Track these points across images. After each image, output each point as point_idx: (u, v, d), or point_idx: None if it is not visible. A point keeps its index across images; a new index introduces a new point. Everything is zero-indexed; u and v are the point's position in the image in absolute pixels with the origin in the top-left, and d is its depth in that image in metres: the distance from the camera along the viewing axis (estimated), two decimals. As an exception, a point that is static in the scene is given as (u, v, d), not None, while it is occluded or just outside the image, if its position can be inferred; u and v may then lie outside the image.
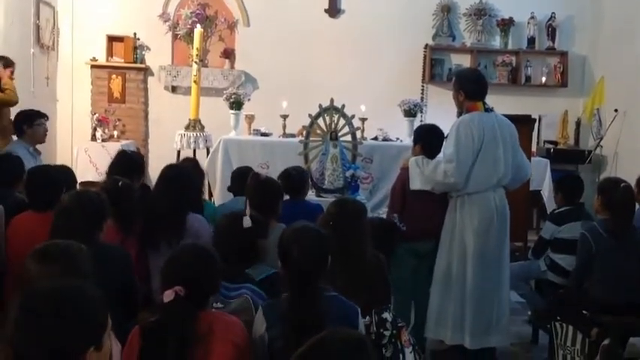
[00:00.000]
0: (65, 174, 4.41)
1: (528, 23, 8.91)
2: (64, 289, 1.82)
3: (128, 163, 4.59)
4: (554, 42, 8.93)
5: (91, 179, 7.37)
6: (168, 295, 2.39)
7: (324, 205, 3.90)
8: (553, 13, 8.82)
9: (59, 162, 7.01)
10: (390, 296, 3.23)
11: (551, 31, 8.90)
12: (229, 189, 5.06)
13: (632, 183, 4.79)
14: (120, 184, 3.84)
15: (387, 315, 2.97)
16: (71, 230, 2.95)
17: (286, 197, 4.46)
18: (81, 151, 8.02)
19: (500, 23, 8.89)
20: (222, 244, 3.10)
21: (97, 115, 8.33)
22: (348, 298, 2.75)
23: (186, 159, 5.52)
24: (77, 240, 2.57)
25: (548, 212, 5.99)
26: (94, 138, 8.19)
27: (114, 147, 7.67)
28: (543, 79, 8.99)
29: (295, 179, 4.79)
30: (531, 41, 8.95)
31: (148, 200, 4.00)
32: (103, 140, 8.15)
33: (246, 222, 3.22)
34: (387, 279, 3.22)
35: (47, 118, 5.94)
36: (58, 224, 3.11)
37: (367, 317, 2.90)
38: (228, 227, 3.28)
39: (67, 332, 1.72)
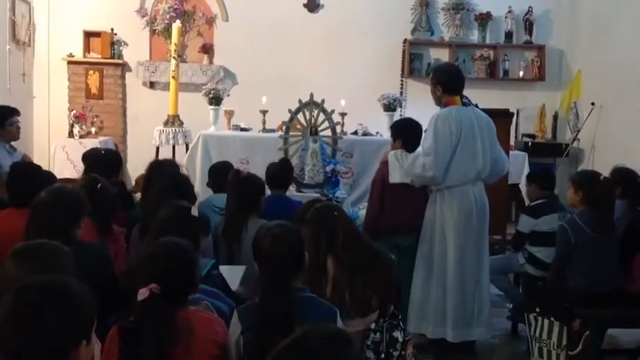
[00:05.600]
0: (45, 172, 4.38)
1: (506, 17, 8.96)
2: (56, 283, 1.82)
3: (104, 162, 4.55)
4: (531, 36, 8.99)
5: (68, 176, 7.29)
6: (142, 294, 2.33)
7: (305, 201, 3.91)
8: (530, 7, 8.87)
9: (36, 160, 6.93)
10: (399, 297, 3.17)
11: (529, 25, 8.95)
12: (208, 184, 5.05)
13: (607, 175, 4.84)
14: (99, 185, 3.79)
15: (398, 334, 2.89)
16: (47, 226, 2.93)
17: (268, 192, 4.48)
18: (58, 148, 7.93)
19: (478, 17, 8.93)
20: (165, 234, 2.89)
21: (74, 111, 8.24)
22: (361, 296, 2.69)
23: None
24: (53, 236, 2.54)
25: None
26: (71, 135, 8.10)
27: (92, 143, 7.62)
28: (521, 73, 9.05)
29: (285, 172, 4.84)
30: (509, 35, 9.00)
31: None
32: (81, 137, 8.07)
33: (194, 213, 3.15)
34: (396, 278, 3.15)
35: (19, 113, 5.85)
36: (34, 219, 3.07)
37: (378, 334, 2.84)
38: (172, 217, 3.12)
39: (62, 326, 1.73)
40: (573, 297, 4.37)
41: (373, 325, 2.74)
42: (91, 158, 4.90)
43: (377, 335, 2.81)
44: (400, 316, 3.06)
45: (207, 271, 3.05)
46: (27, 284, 1.82)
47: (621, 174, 4.93)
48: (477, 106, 4.73)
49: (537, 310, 4.39)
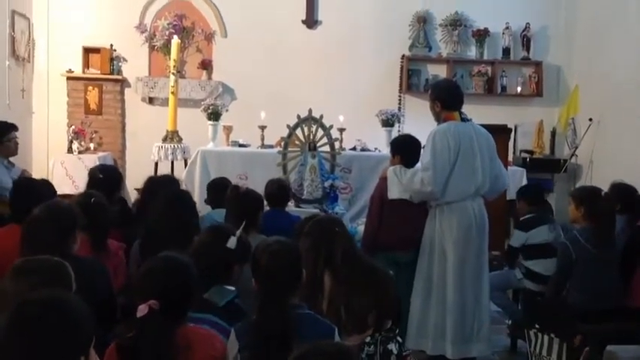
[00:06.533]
0: (46, 187, 4.38)
1: (503, 34, 9.00)
2: (55, 299, 1.82)
3: (103, 180, 4.54)
4: (528, 52, 9.02)
5: (67, 192, 7.27)
6: (141, 310, 2.32)
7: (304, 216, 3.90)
8: (527, 23, 8.91)
9: (34, 175, 6.92)
10: (399, 314, 3.13)
11: (526, 42, 8.99)
12: (207, 201, 5.04)
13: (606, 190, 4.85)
14: (92, 200, 3.78)
15: (392, 346, 2.77)
16: (40, 241, 2.93)
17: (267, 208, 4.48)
18: (57, 163, 7.94)
19: (475, 34, 8.97)
20: (198, 258, 2.90)
21: (73, 127, 8.26)
22: (358, 312, 2.67)
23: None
24: (47, 251, 2.54)
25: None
26: (70, 150, 8.12)
27: (90, 159, 7.64)
28: (519, 88, 9.07)
29: (283, 190, 4.84)
30: (506, 51, 9.03)
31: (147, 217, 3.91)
32: (80, 152, 8.08)
33: (231, 242, 3.02)
34: (395, 294, 3.03)
35: (17, 129, 5.85)
36: (28, 235, 3.07)
37: (372, 347, 2.75)
38: (210, 242, 3.09)
39: (61, 342, 1.73)
40: (573, 313, 4.36)
41: (368, 339, 2.72)
42: (92, 176, 4.87)
43: (371, 348, 2.78)
44: (397, 330, 3.03)
45: (227, 301, 2.92)
46: (27, 299, 1.82)
47: (620, 189, 4.95)
48: (469, 120, 4.73)
49: (537, 326, 4.37)
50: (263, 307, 2.59)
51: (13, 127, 5.79)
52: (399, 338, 2.85)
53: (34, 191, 3.97)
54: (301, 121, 6.52)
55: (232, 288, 2.99)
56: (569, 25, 8.98)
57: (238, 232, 3.11)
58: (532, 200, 5.37)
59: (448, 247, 4.48)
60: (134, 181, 7.13)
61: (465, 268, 4.46)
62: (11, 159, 5.81)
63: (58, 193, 6.04)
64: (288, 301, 2.61)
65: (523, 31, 8.96)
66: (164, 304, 2.35)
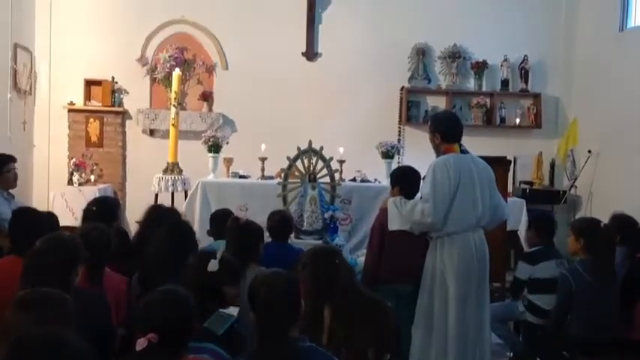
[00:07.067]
0: (49, 218, 4.37)
1: (501, 66, 9.07)
2: (53, 336, 1.81)
3: (97, 213, 4.53)
4: (527, 84, 9.09)
5: (67, 224, 7.27)
6: (140, 344, 2.32)
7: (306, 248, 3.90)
8: (525, 55, 8.99)
9: (35, 207, 6.92)
10: (399, 348, 3.10)
11: (524, 74, 9.06)
12: (209, 233, 5.04)
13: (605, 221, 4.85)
14: (91, 232, 3.77)
15: None
16: (42, 274, 2.92)
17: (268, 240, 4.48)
18: (57, 196, 7.94)
19: (474, 66, 9.05)
20: (187, 284, 2.89)
21: (74, 159, 8.28)
22: (358, 346, 2.65)
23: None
24: (49, 284, 2.54)
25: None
26: (70, 182, 8.13)
27: (91, 191, 7.65)
28: (517, 120, 9.12)
29: (285, 222, 4.83)
30: (505, 83, 9.10)
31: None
32: (80, 185, 8.09)
33: (212, 265, 3.04)
34: (395, 327, 3.04)
35: (15, 160, 5.86)
36: (30, 268, 3.07)
37: None
38: (194, 266, 3.11)
39: None
40: (574, 345, 4.33)
41: None
42: (86, 211, 4.86)
43: None
44: None
45: (227, 328, 2.91)
46: (25, 335, 1.81)
47: (621, 221, 4.95)
48: (468, 152, 4.74)
49: (538, 359, 4.35)
50: (262, 340, 2.58)
51: (11, 159, 5.79)
52: None
53: (35, 222, 3.97)
54: (301, 153, 6.55)
55: (232, 313, 2.98)
56: (568, 57, 9.06)
57: (219, 255, 3.11)
58: (543, 232, 5.29)
59: (449, 278, 4.46)
60: (134, 213, 7.13)
61: (466, 300, 4.44)
62: (12, 191, 5.82)
63: (58, 225, 6.04)
64: (287, 334, 2.59)
65: (521, 63, 9.04)
66: (163, 337, 2.34)
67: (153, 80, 8.78)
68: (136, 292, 3.67)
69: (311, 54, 8.97)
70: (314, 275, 3.14)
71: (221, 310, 2.98)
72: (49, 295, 2.39)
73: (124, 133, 8.83)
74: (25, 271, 3.07)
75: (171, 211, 4.72)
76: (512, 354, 5.34)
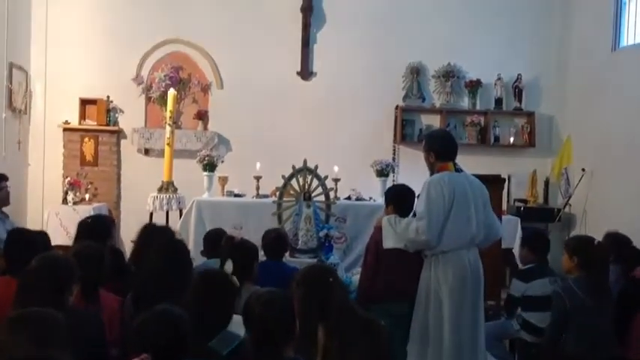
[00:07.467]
0: (42, 238, 4.36)
1: (495, 84, 9.12)
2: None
3: (94, 230, 4.52)
4: (520, 102, 9.13)
5: (61, 243, 7.25)
6: None
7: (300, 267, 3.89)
8: (519, 74, 9.04)
9: (29, 226, 6.92)
10: None
11: (518, 92, 9.11)
12: (202, 253, 5.02)
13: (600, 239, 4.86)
14: (85, 252, 3.76)
15: None
16: (36, 294, 2.91)
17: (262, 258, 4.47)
18: (52, 214, 7.92)
19: (468, 85, 9.09)
20: (197, 304, 2.93)
21: (68, 178, 8.28)
22: None
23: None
24: (43, 304, 2.53)
25: (518, 270, 6.03)
26: (65, 201, 8.12)
27: (85, 210, 7.63)
28: (511, 139, 9.16)
29: (280, 240, 4.83)
30: (499, 102, 9.14)
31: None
32: (75, 203, 8.08)
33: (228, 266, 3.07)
34: (389, 348, 3.04)
35: (7, 178, 5.87)
36: (24, 288, 3.06)
37: None
38: (204, 285, 3.12)
39: None
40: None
41: None
42: (80, 227, 4.86)
43: None
44: None
45: (231, 349, 2.87)
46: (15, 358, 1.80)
47: (615, 239, 4.96)
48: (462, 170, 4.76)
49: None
50: (256, 359, 2.57)
51: (2, 177, 5.81)
52: None
53: (29, 243, 3.96)
54: (296, 172, 6.56)
55: (238, 334, 2.97)
56: (561, 76, 9.12)
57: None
58: (536, 250, 5.30)
59: (444, 297, 4.45)
60: (129, 231, 7.11)
61: (461, 318, 4.43)
62: (6, 210, 5.81)
63: (52, 244, 6.05)
64: (282, 353, 2.59)
65: (515, 81, 9.09)
66: (157, 357, 2.33)
67: (148, 99, 8.80)
68: (129, 311, 3.65)
69: (306, 73, 9.01)
70: (308, 294, 3.13)
71: (228, 330, 2.98)
72: (42, 315, 2.38)
73: (118, 152, 8.84)
74: (19, 289, 3.07)
75: (166, 230, 4.70)
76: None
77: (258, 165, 7.39)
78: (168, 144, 7.46)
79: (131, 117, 8.79)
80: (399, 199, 4.85)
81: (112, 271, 3.90)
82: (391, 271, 4.65)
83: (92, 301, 3.61)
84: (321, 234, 6.40)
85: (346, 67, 8.94)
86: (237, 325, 2.97)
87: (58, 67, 8.66)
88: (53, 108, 8.66)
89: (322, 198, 6.63)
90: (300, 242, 6.33)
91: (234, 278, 3.26)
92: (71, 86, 8.63)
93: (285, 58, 8.89)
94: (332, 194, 6.89)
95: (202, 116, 8.84)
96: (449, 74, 9.09)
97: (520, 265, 5.78)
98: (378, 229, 4.75)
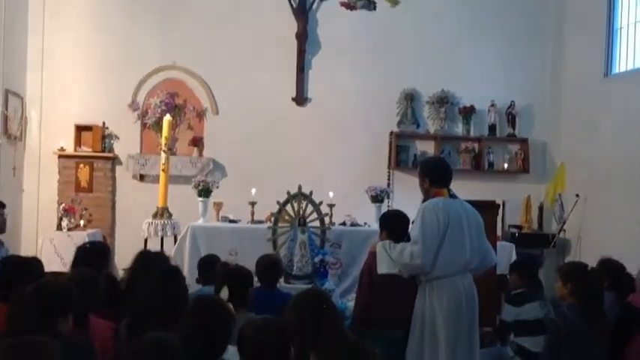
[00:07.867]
0: (35, 264, 4.35)
1: (489, 111, 9.17)
2: None
3: (90, 256, 4.52)
4: (514, 129, 9.19)
5: (55, 269, 7.21)
6: None
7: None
8: (512, 101, 9.11)
9: (23, 253, 6.89)
10: None
11: (512, 119, 9.17)
12: (198, 281, 5.00)
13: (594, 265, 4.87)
14: (79, 276, 3.75)
15: None
16: (30, 320, 2.90)
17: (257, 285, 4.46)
18: (46, 241, 7.87)
19: (462, 111, 9.15)
20: (192, 331, 2.91)
21: (63, 204, 8.25)
22: None
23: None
24: (37, 330, 2.52)
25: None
26: (59, 228, 8.09)
27: (80, 236, 7.60)
28: (505, 165, 9.20)
29: (274, 266, 4.82)
30: (492, 128, 9.19)
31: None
32: (69, 230, 8.05)
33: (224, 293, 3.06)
34: None
35: (4, 206, 5.87)
36: (17, 313, 3.04)
37: None
38: (199, 312, 3.11)
39: None
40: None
41: None
42: (78, 252, 4.86)
43: None
44: None
45: None
46: None
47: (608, 265, 4.96)
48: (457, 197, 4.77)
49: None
50: None
51: (1, 205, 5.81)
52: None
53: (22, 269, 3.94)
54: (291, 197, 6.57)
55: None
56: (554, 103, 9.18)
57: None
58: (524, 274, 5.36)
59: (439, 323, 4.43)
60: (124, 258, 7.08)
61: (456, 345, 4.41)
62: (1, 236, 5.80)
63: (47, 270, 6.01)
64: None
65: (508, 108, 9.15)
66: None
67: (143, 125, 8.83)
68: (123, 337, 3.63)
69: (301, 99, 9.06)
70: (301, 319, 3.13)
71: (224, 357, 2.96)
72: (34, 343, 2.37)
73: (113, 178, 8.84)
74: (10, 316, 3.05)
75: (160, 256, 4.69)
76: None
77: (253, 190, 7.39)
78: (163, 170, 7.48)
79: (126, 143, 8.80)
80: (393, 225, 4.86)
81: (106, 298, 3.89)
82: (386, 297, 4.65)
83: (83, 329, 3.59)
84: (316, 259, 6.40)
85: (341, 92, 9.00)
86: (232, 354, 2.97)
87: (54, 93, 8.69)
88: (48, 134, 8.66)
89: (317, 224, 6.63)
90: (295, 268, 6.32)
91: (230, 305, 3.24)
92: (67, 112, 8.65)
93: (280, 84, 8.95)
94: (327, 220, 6.90)
95: (197, 142, 8.86)
96: (443, 100, 9.15)
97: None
98: (373, 255, 4.75)
